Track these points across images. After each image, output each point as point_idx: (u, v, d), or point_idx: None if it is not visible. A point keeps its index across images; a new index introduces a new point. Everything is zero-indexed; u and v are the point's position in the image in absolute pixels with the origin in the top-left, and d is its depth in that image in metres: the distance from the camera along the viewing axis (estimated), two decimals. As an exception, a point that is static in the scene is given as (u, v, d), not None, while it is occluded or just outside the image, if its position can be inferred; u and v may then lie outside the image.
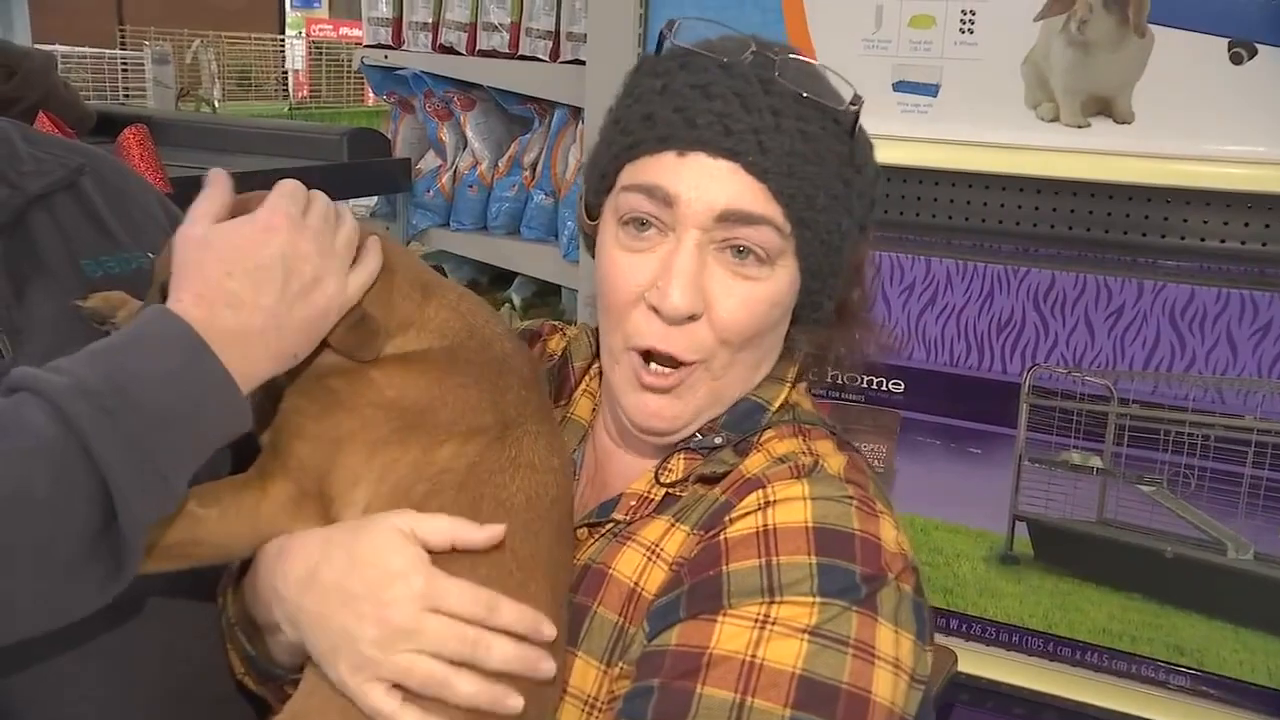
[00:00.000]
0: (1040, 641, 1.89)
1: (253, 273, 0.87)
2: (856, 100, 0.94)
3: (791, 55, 0.93)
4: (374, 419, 0.92)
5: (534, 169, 2.70)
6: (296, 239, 0.90)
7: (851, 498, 0.90)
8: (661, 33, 0.97)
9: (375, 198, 2.87)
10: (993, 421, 1.87)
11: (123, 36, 5.83)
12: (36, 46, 3.29)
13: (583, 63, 2.40)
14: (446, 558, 0.87)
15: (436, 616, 0.84)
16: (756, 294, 0.94)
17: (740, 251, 0.93)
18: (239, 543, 0.92)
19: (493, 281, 2.96)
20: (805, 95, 0.92)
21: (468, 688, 0.84)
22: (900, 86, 2.03)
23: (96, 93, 4.98)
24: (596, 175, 1.00)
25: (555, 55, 2.57)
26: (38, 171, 1.06)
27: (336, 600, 0.85)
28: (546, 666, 0.88)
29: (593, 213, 1.02)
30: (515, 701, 0.86)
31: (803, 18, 2.15)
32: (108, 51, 5.31)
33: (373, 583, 0.84)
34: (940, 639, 1.83)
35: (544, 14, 2.55)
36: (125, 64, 5.27)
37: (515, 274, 2.83)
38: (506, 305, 2.84)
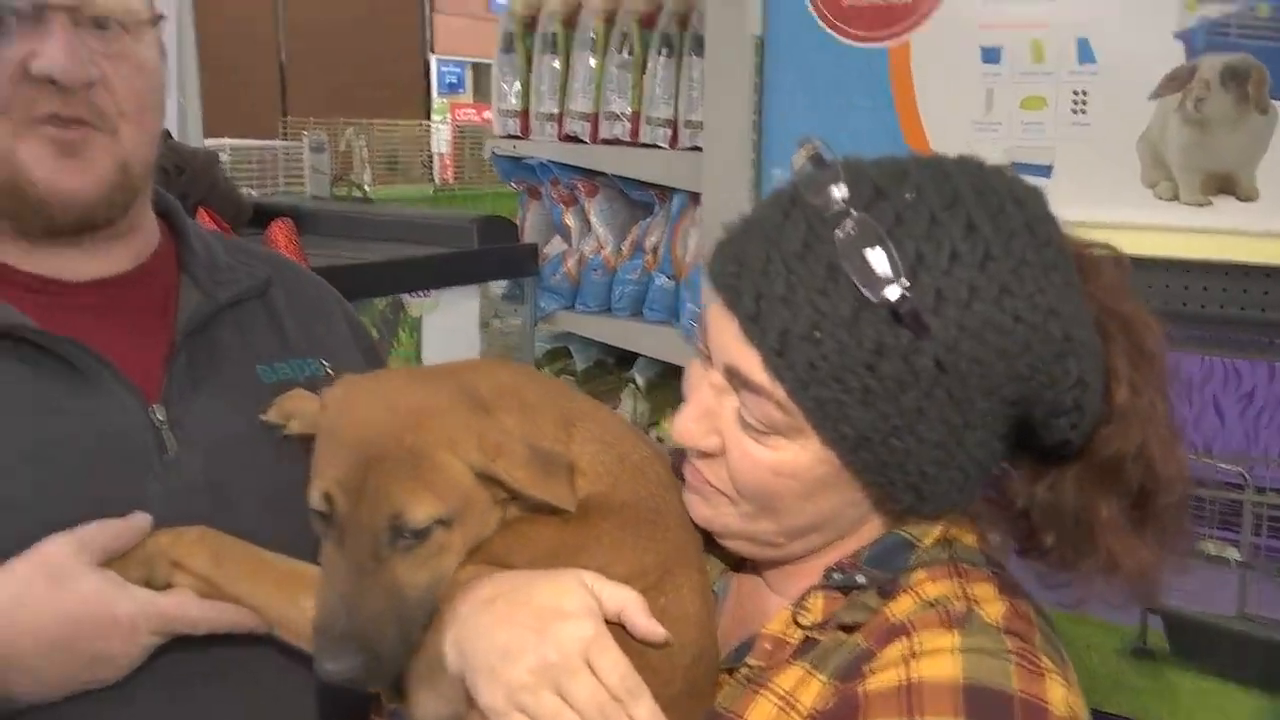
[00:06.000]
0: (1176, 742, 1.80)
1: (59, 649, 0.88)
2: (906, 286, 0.78)
3: (869, 219, 0.80)
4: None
5: (655, 252, 2.76)
6: (123, 651, 0.91)
7: (1011, 652, 0.80)
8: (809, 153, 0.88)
9: (504, 281, 2.98)
10: (1118, 509, 1.81)
11: (285, 127, 6.22)
12: (205, 144, 3.56)
13: (700, 149, 2.46)
14: None
15: (587, 673, 0.81)
16: (760, 457, 0.86)
17: (744, 415, 0.86)
18: None
19: (617, 362, 3.02)
20: (839, 265, 0.80)
21: None
22: (1013, 169, 2.02)
23: (260, 181, 5.33)
24: None
25: (674, 143, 2.64)
26: (231, 280, 1.14)
27: (506, 623, 0.82)
28: None
29: None
30: None
31: (913, 102, 2.16)
32: (271, 143, 5.66)
33: (545, 616, 0.82)
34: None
35: (663, 103, 2.63)
36: (286, 153, 5.61)
37: (638, 355, 2.88)
38: (630, 385, 2.89)
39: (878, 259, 0.78)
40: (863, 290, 0.79)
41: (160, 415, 1.04)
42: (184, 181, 2.76)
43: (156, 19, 1.05)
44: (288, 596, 0.93)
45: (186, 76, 3.40)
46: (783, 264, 0.82)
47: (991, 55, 2.09)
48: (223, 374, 1.10)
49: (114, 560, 0.93)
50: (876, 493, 0.87)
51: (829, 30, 2.23)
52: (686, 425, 0.88)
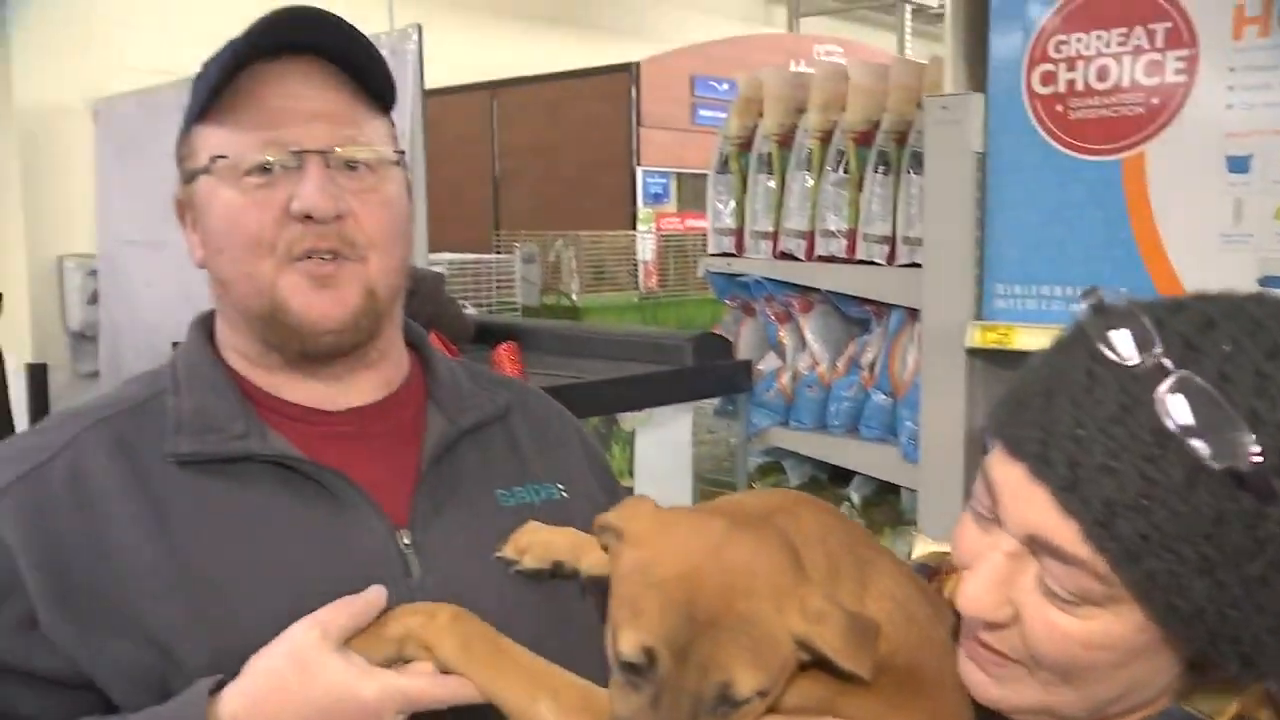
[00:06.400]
0: None
1: None
2: (1258, 451, 0.72)
3: (1196, 378, 0.73)
4: None
5: (872, 369, 2.71)
6: None
7: None
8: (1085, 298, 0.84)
9: (717, 398, 2.98)
10: None
11: (498, 241, 6.51)
12: (429, 258, 3.77)
13: (919, 265, 2.42)
14: None
15: None
16: (1069, 629, 0.80)
17: (1050, 583, 0.81)
18: None
19: (831, 478, 2.97)
20: (1174, 431, 0.73)
21: None
22: (1268, 282, 1.89)
23: (474, 293, 5.56)
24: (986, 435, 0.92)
25: (891, 259, 2.61)
26: (474, 407, 1.19)
27: None
28: None
29: None
30: None
31: (1149, 215, 2.07)
32: (485, 256, 5.93)
33: None
34: None
35: (880, 220, 2.61)
36: (499, 265, 5.85)
37: (854, 473, 2.82)
38: (845, 504, 2.83)
39: (1219, 422, 0.73)
40: (1207, 457, 0.73)
41: (406, 540, 1.08)
42: (414, 303, 2.91)
43: (400, 158, 1.14)
44: (529, 695, 0.94)
45: (415, 200, 3.63)
46: (1098, 430, 0.76)
47: (1239, 164, 1.98)
48: (464, 498, 1.14)
49: (365, 637, 0.97)
50: (1198, 660, 0.81)
51: (1055, 144, 2.17)
52: (978, 597, 0.83)
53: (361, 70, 1.08)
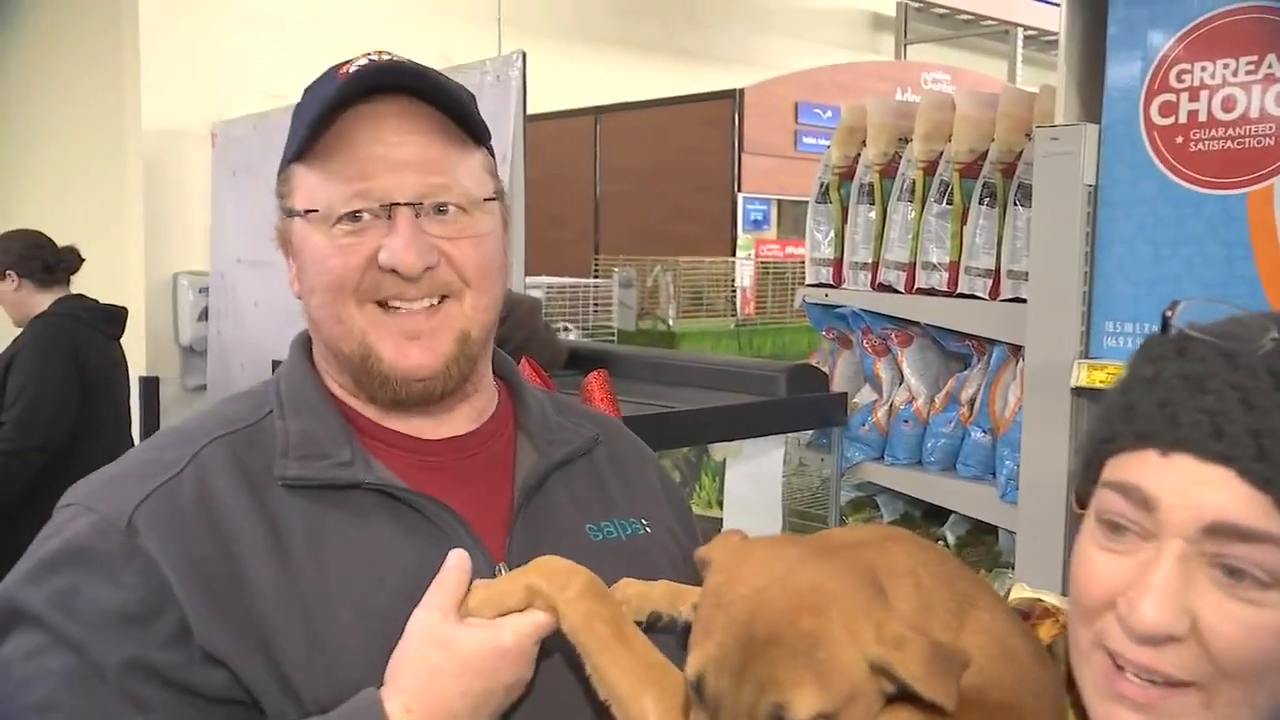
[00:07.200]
0: None
1: (481, 695, 0.95)
2: None
3: None
4: None
5: (971, 405, 2.63)
6: (525, 671, 0.97)
7: None
8: (1164, 314, 0.87)
9: (811, 431, 2.92)
10: None
11: (596, 266, 6.54)
12: (526, 282, 3.80)
13: (1023, 300, 2.34)
14: None
15: None
16: (1262, 621, 0.78)
17: (1233, 572, 0.78)
18: None
19: (925, 516, 2.88)
20: None
21: None
22: None
23: (571, 316, 5.60)
24: (1081, 463, 0.91)
25: (995, 293, 2.53)
26: (563, 440, 1.19)
27: None
28: None
29: (1082, 501, 0.92)
30: None
31: (1276, 250, 1.96)
32: (582, 280, 5.97)
33: None
34: None
35: (984, 253, 2.53)
36: (596, 290, 5.88)
37: (949, 511, 2.73)
38: (940, 543, 2.74)
39: None
40: None
41: (503, 572, 1.07)
42: (507, 327, 2.93)
43: (496, 195, 1.12)
44: (637, 687, 0.93)
45: (514, 224, 3.66)
46: (1268, 398, 0.79)
47: (1373, 201, 1.87)
48: (556, 533, 1.12)
49: (487, 598, 1.00)
50: None
51: (1174, 177, 2.08)
52: (1160, 609, 0.79)
53: (455, 106, 1.07)
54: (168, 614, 0.95)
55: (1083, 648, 0.86)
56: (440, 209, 1.06)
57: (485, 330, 1.11)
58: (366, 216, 1.04)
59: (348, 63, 1.07)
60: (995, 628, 0.88)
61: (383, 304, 1.06)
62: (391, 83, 1.05)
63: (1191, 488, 0.79)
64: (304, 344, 1.16)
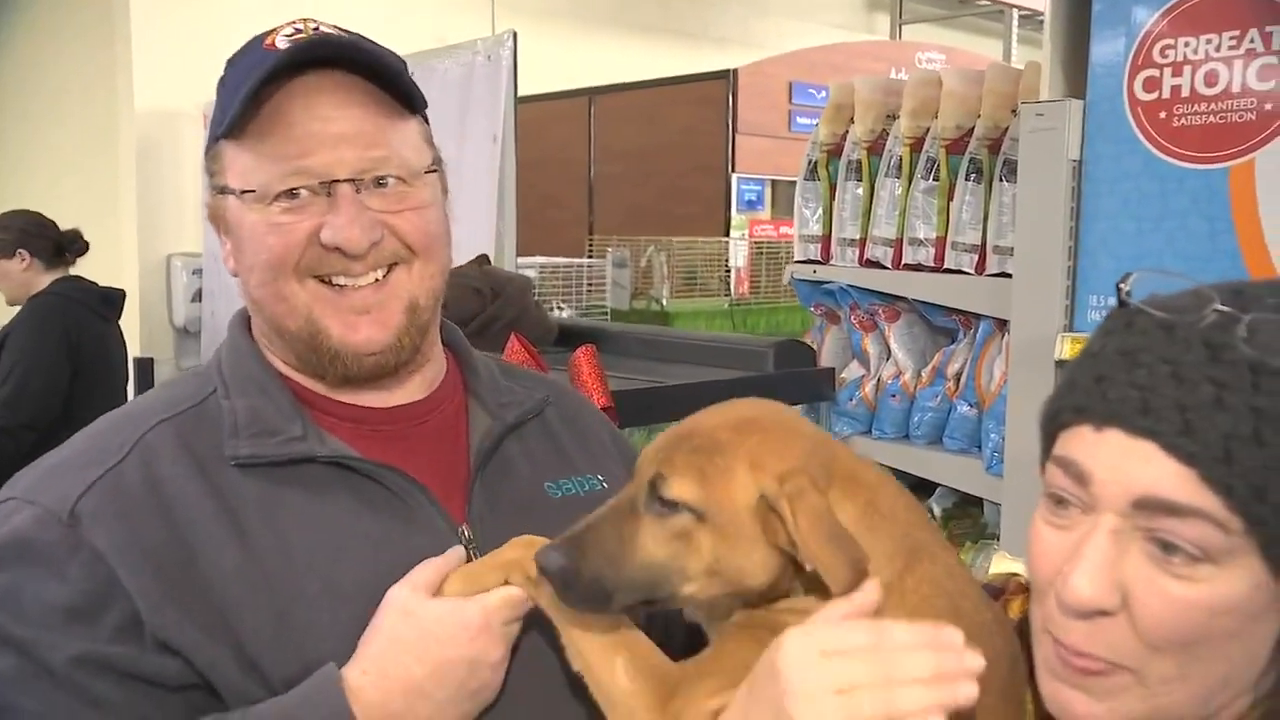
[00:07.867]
0: None
1: (440, 664, 0.95)
2: None
3: (1274, 315, 0.77)
4: None
5: (958, 380, 2.65)
6: (490, 648, 0.97)
7: None
8: (1117, 285, 0.87)
9: (799, 405, 2.94)
10: None
11: (590, 245, 6.54)
12: (518, 262, 3.81)
13: (1009, 275, 2.35)
14: None
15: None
16: (1189, 596, 0.78)
17: (1166, 546, 0.78)
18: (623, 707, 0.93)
19: (912, 489, 2.88)
20: (1264, 363, 0.76)
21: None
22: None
23: (565, 295, 5.60)
24: (1041, 437, 0.91)
25: (981, 268, 2.54)
26: (513, 402, 1.19)
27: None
28: None
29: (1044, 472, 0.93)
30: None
31: (1257, 225, 1.98)
32: (578, 260, 5.97)
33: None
34: None
35: (970, 229, 2.55)
36: (590, 269, 5.88)
37: (936, 484, 2.76)
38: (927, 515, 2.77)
39: None
40: None
41: (468, 534, 1.08)
42: (498, 305, 2.95)
43: (435, 165, 1.12)
44: (609, 652, 0.95)
45: (505, 203, 3.66)
46: (1196, 372, 0.78)
47: (1354, 174, 1.88)
48: (516, 492, 1.14)
49: (465, 577, 1.01)
50: None
51: (1157, 152, 2.09)
52: (1089, 582, 0.79)
53: (388, 76, 1.06)
54: (116, 606, 0.94)
55: (1035, 627, 0.87)
56: (380, 182, 1.04)
57: (433, 297, 1.10)
58: (305, 194, 1.02)
59: (273, 33, 1.05)
60: (947, 584, 0.88)
61: (325, 280, 1.05)
62: (325, 55, 1.03)
63: (1121, 462, 0.79)
64: (244, 322, 1.14)
